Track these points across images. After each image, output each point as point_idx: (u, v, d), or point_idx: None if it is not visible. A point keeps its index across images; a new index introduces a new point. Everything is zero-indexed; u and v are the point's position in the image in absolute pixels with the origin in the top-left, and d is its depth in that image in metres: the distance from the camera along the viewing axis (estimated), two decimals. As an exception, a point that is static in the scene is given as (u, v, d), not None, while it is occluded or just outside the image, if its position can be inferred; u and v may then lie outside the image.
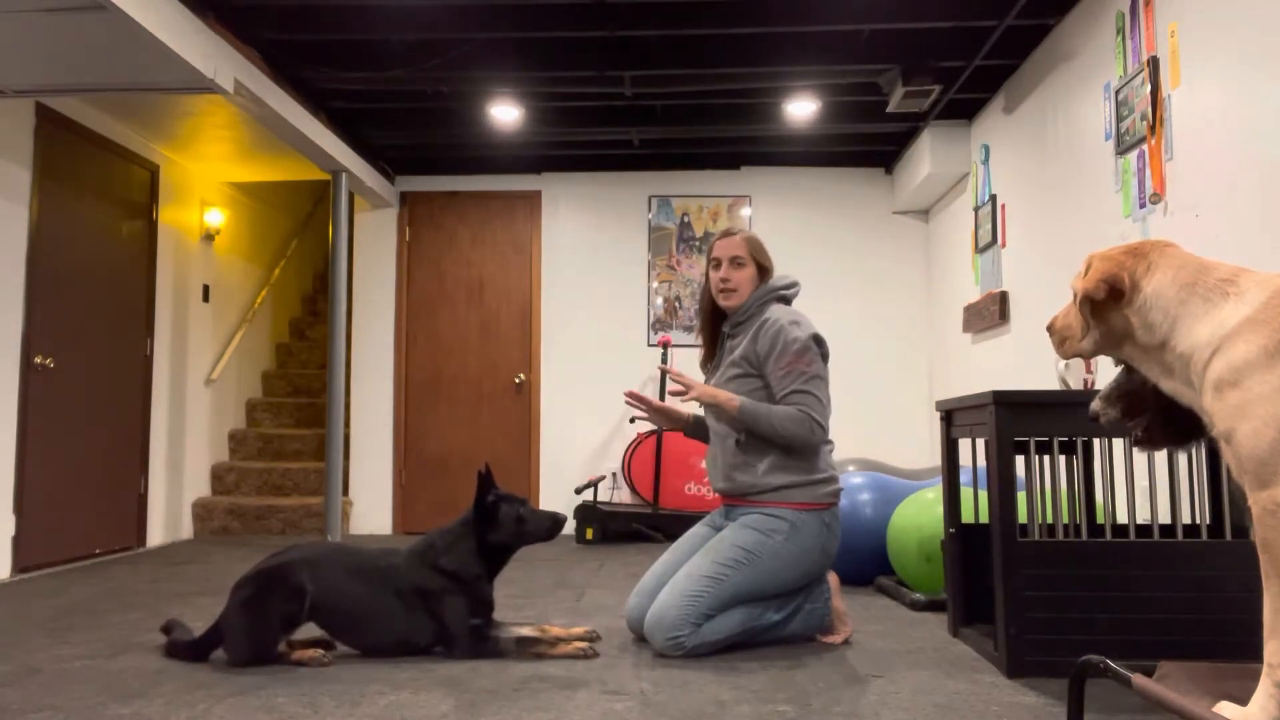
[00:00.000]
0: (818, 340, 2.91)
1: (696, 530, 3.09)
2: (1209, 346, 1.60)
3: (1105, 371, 3.71)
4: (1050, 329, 1.91)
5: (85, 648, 2.92)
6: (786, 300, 3.07)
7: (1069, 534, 2.71)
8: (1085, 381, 3.88)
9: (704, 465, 5.97)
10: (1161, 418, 1.83)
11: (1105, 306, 1.75)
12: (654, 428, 6.32)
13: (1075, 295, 1.83)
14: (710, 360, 3.16)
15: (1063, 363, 3.91)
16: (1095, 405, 1.89)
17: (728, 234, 3.08)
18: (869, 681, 2.49)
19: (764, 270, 3.05)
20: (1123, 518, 3.53)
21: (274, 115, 4.65)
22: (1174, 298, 1.67)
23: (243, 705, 2.27)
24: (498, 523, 2.80)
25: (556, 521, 2.84)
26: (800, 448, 2.85)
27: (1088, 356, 1.84)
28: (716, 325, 3.15)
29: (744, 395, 2.92)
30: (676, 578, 2.82)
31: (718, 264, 3.05)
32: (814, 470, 2.90)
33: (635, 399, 3.02)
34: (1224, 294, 1.62)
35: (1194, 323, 1.63)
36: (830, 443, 2.98)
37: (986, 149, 5.26)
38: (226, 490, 6.37)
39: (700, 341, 3.21)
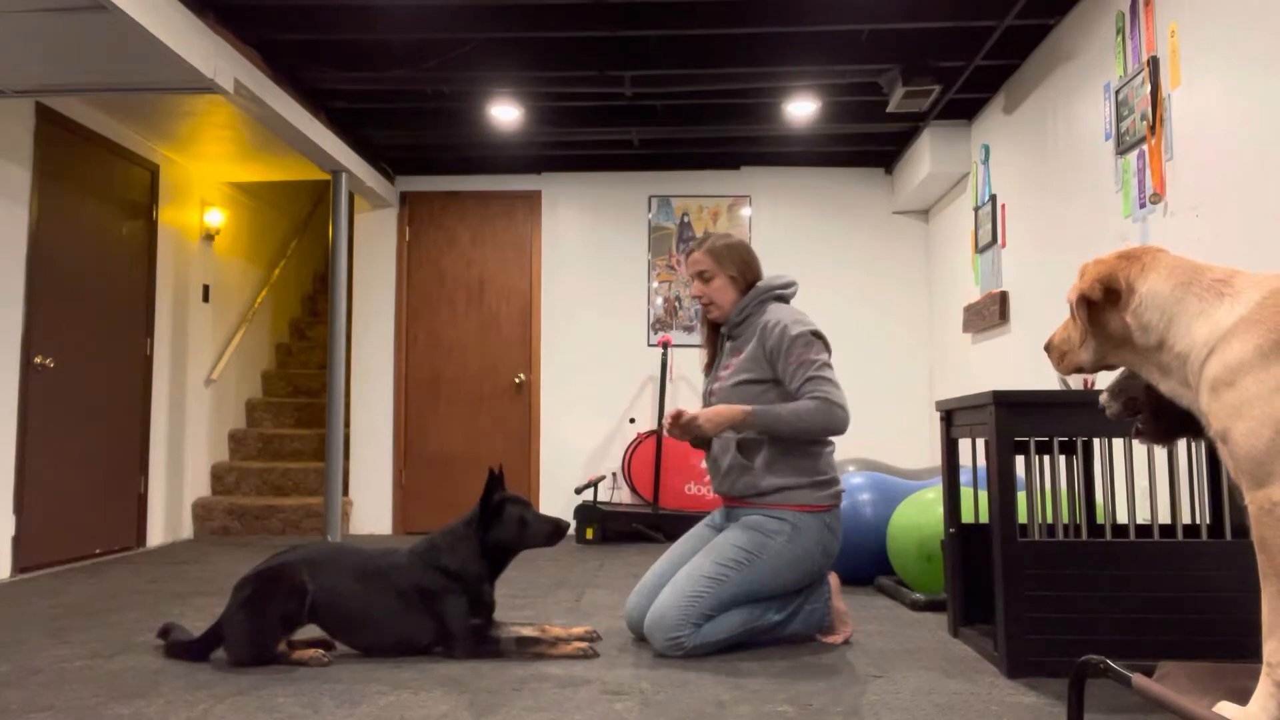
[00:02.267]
0: (818, 335, 2.91)
1: (697, 530, 3.10)
2: (1205, 346, 1.60)
3: (1104, 372, 3.71)
4: (1049, 347, 1.92)
5: (85, 648, 2.92)
6: (785, 300, 3.05)
7: (1069, 534, 2.71)
8: (1085, 382, 3.88)
9: (704, 465, 5.97)
10: (1153, 414, 1.88)
11: (1101, 310, 1.75)
12: (654, 428, 6.32)
13: (1072, 307, 1.84)
14: (710, 367, 3.15)
15: (1063, 363, 3.91)
16: (1103, 398, 1.97)
17: (694, 248, 3.07)
18: (869, 681, 2.49)
19: (740, 275, 3.01)
20: (1123, 518, 3.53)
21: (274, 115, 4.65)
22: (1169, 296, 1.68)
23: (243, 705, 2.27)
24: (501, 523, 2.80)
25: (559, 528, 2.84)
26: (830, 433, 2.80)
27: (1089, 369, 1.84)
28: (717, 331, 3.16)
29: (746, 400, 2.90)
30: (677, 578, 2.82)
31: (692, 280, 3.08)
32: (815, 472, 2.90)
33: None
34: (1219, 294, 1.63)
35: (1190, 322, 1.64)
36: (831, 444, 2.98)
37: (986, 149, 5.26)
38: (226, 490, 6.38)
39: (703, 345, 3.21)
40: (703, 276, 3.03)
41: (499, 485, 2.83)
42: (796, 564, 2.83)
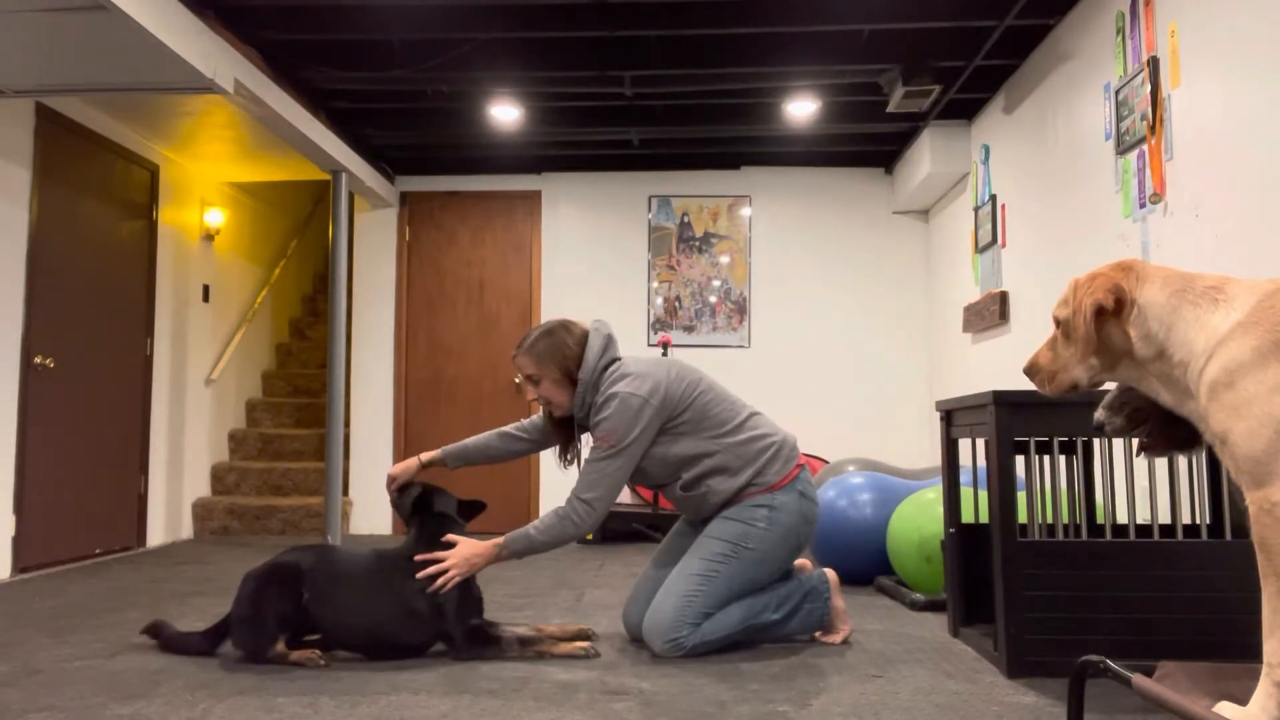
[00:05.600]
0: (626, 406, 2.77)
1: (678, 528, 3.08)
2: (1204, 353, 1.61)
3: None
4: (1033, 370, 1.87)
5: (85, 648, 2.92)
6: (610, 363, 2.89)
7: (1069, 534, 2.71)
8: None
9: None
10: (1164, 425, 1.83)
11: (1103, 322, 1.75)
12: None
13: (1059, 324, 1.83)
14: (564, 456, 3.07)
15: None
16: (1099, 415, 1.89)
17: (516, 350, 2.93)
18: (869, 681, 2.49)
19: (564, 375, 2.87)
20: (1123, 518, 3.53)
21: (274, 115, 4.65)
22: (1166, 304, 1.69)
23: (243, 705, 2.27)
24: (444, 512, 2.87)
25: (476, 503, 2.95)
26: (574, 538, 2.78)
27: (1085, 387, 1.81)
28: (565, 423, 3.04)
29: (654, 465, 2.85)
30: (668, 581, 2.82)
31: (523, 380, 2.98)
32: (760, 451, 2.86)
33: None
34: (1214, 300, 1.64)
35: (1187, 329, 1.65)
36: (751, 415, 2.93)
37: (986, 149, 5.26)
38: (226, 490, 6.38)
39: (554, 439, 3.07)
40: (531, 379, 2.91)
41: (429, 499, 2.87)
42: (782, 542, 2.83)
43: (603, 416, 2.79)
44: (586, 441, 3.01)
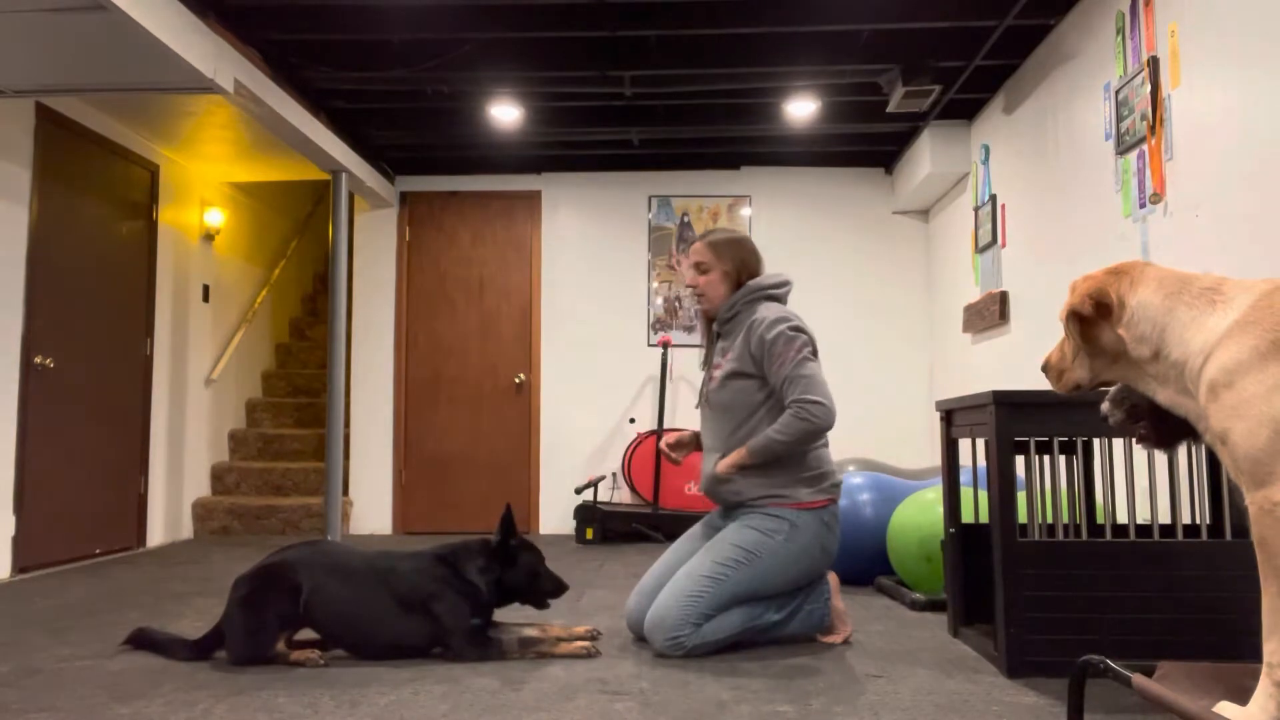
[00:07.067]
0: (799, 329, 2.89)
1: (695, 530, 3.10)
2: (1202, 353, 1.61)
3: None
4: (1046, 367, 1.93)
5: (85, 648, 2.92)
6: (777, 299, 3.04)
7: (1069, 534, 2.71)
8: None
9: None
10: (1160, 422, 1.87)
11: (1094, 326, 1.77)
12: (654, 428, 6.32)
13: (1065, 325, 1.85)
14: (710, 361, 3.16)
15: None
16: (1104, 407, 1.96)
17: (700, 237, 3.10)
18: (869, 681, 2.49)
19: (734, 271, 3.02)
20: (1123, 518, 3.53)
21: (274, 115, 4.65)
22: (1160, 306, 1.70)
23: (243, 705, 2.27)
24: (516, 567, 2.80)
25: (562, 587, 2.85)
26: (817, 436, 2.81)
27: (1087, 386, 1.85)
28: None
29: (737, 397, 2.91)
30: (676, 578, 2.82)
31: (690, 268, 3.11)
32: (805, 468, 2.89)
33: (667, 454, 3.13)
34: (1210, 301, 1.64)
35: (1183, 330, 1.66)
36: (827, 443, 2.98)
37: (986, 149, 5.26)
38: (226, 490, 6.38)
39: (702, 342, 3.22)
40: (699, 268, 3.04)
41: (513, 527, 2.84)
42: (795, 562, 2.83)
43: (776, 333, 2.84)
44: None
